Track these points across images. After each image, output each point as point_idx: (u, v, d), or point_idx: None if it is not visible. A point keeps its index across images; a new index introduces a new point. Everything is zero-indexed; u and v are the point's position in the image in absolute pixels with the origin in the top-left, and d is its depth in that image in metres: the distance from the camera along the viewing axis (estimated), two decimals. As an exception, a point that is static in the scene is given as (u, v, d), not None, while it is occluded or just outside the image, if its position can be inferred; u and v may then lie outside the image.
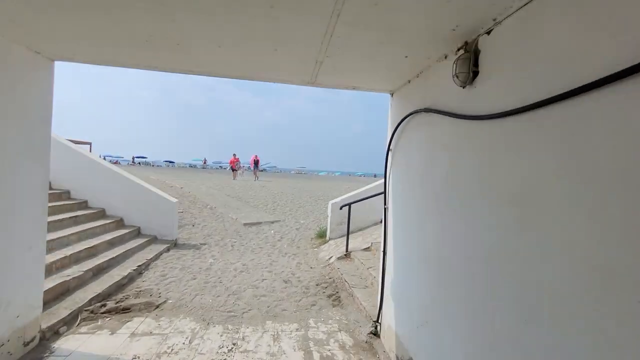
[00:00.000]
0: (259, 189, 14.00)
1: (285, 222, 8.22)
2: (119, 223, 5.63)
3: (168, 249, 5.50)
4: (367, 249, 5.17)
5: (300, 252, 5.95)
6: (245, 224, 7.63)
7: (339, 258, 5.11)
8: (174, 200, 6.02)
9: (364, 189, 6.76)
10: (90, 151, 43.92)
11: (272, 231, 7.34)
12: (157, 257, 5.04)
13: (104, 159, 35.14)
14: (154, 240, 5.71)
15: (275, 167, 62.79)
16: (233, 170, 19.14)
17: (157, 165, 54.31)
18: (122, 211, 5.76)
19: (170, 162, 58.72)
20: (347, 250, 5.19)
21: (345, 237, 6.16)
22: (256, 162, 20.67)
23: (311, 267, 5.01)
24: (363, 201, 5.78)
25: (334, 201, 6.48)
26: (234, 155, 19.34)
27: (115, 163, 50.71)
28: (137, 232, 5.74)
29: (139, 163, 53.51)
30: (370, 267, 4.31)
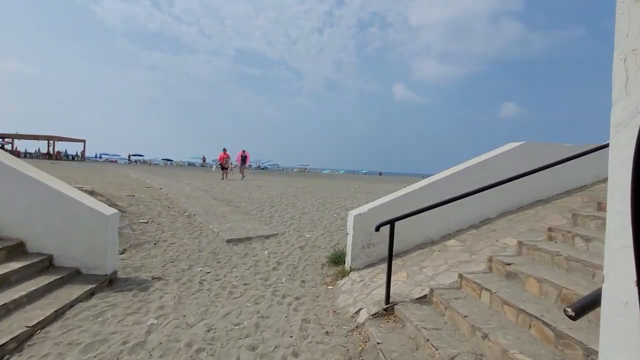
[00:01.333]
0: (255, 190, 11.85)
1: (285, 236, 6.08)
2: (15, 249, 3.50)
3: (92, 293, 3.35)
4: (423, 299, 3.01)
5: (307, 292, 3.80)
6: (228, 241, 5.49)
7: (374, 315, 2.94)
8: (110, 212, 3.85)
9: (401, 193, 4.59)
10: (84, 149, 41.92)
11: (265, 252, 5.19)
12: (59, 314, 2.90)
13: (100, 157, 33.23)
14: (73, 276, 3.57)
15: (277, 165, 60.72)
16: (223, 168, 16.69)
17: (155, 164, 52.41)
18: (24, 230, 3.64)
19: (169, 160, 56.80)
20: (387, 300, 3.02)
21: (376, 268, 4.03)
22: (244, 159, 18.18)
23: (327, 333, 2.85)
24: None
25: (357, 212, 4.29)
26: (224, 150, 16.89)
27: (113, 162, 49.05)
28: (47, 264, 3.60)
29: (136, 161, 51.68)
30: (446, 346, 2.16)
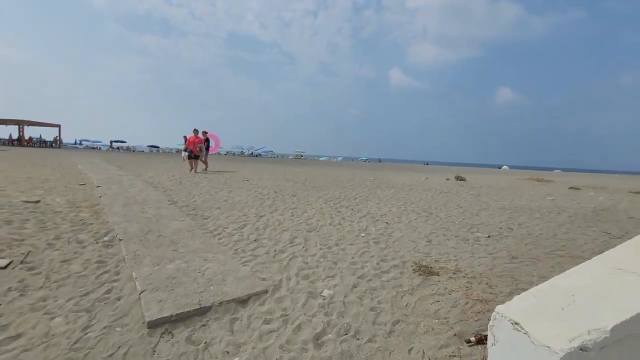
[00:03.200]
0: (238, 187, 8.67)
1: (280, 296, 2.90)
2: None
3: None
4: None
5: None
6: (152, 326, 2.40)
7: None
8: None
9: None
10: (60, 134, 38.03)
11: (233, 368, 2.11)
12: None
13: (80, 144, 29.38)
14: None
15: (271, 151, 57.25)
16: (191, 157, 11.71)
17: (140, 151, 48.74)
18: None
19: (155, 147, 53.08)
20: None
21: None
22: (207, 144, 12.65)
23: None
24: None
25: (565, 343, 1.16)
26: (195, 132, 11.99)
27: (93, 149, 45.20)
28: None
29: (118, 148, 47.95)
30: None
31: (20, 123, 37.86)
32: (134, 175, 9.65)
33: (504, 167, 56.86)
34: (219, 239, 4.35)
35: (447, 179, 14.62)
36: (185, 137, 12.90)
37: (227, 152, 54.18)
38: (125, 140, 48.80)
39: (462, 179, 13.97)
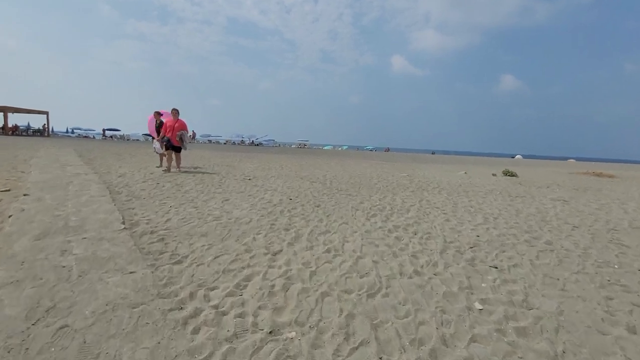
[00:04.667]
0: (236, 190, 6.18)
1: None
2: None
3: None
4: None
5: None
6: None
7: None
8: None
9: None
10: (48, 121, 35.43)
11: None
12: None
13: (72, 132, 26.84)
14: None
15: (273, 140, 54.50)
16: (169, 147, 8.38)
17: (134, 139, 46.12)
18: None
19: (149, 135, 50.32)
20: None
21: None
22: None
23: None
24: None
25: None
26: (175, 113, 8.40)
27: (85, 137, 42.71)
28: None
29: (111, 136, 45.33)
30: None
31: (4, 110, 35.21)
32: (97, 174, 7.19)
33: (518, 156, 54.13)
34: (192, 331, 1.95)
35: (494, 175, 12.10)
36: (158, 116, 9.17)
37: (227, 141, 51.55)
38: (119, 129, 46.24)
39: (511, 174, 11.47)
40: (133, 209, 4.53)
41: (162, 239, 3.50)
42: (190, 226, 3.94)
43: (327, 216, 4.80)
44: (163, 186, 6.28)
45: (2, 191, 4.99)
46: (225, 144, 48.56)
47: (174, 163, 8.70)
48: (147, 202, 4.96)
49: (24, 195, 4.73)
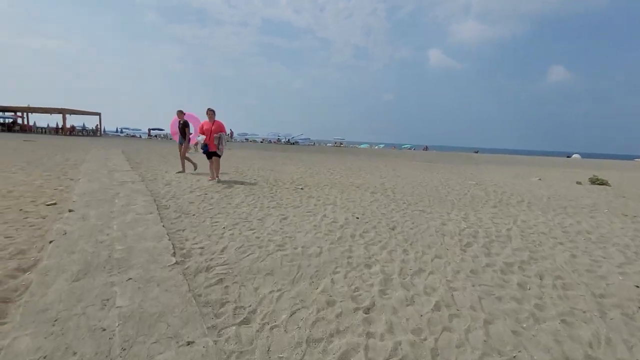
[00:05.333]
0: (293, 205, 5.33)
1: None
2: None
3: None
4: None
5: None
6: None
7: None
8: None
9: None
10: (100, 122, 37.75)
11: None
12: None
13: (122, 132, 28.45)
14: None
15: (308, 139, 54.13)
16: (206, 153, 7.33)
17: (170, 139, 47.94)
18: None
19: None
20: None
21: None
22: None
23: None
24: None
25: None
26: (211, 114, 7.16)
27: (132, 137, 45.15)
28: None
29: (156, 135, 47.47)
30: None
31: (62, 112, 37.97)
32: (143, 182, 6.79)
33: (575, 155, 49.08)
34: None
35: (579, 183, 10.38)
36: (182, 115, 8.24)
37: (263, 140, 52.01)
38: (162, 128, 48.22)
39: (602, 183, 9.72)
40: (183, 230, 3.90)
41: (221, 279, 2.77)
42: (251, 259, 3.20)
43: (410, 244, 3.86)
44: (212, 198, 5.68)
45: (48, 205, 4.61)
46: (261, 142, 48.98)
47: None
48: (197, 221, 4.33)
49: (69, 211, 4.28)
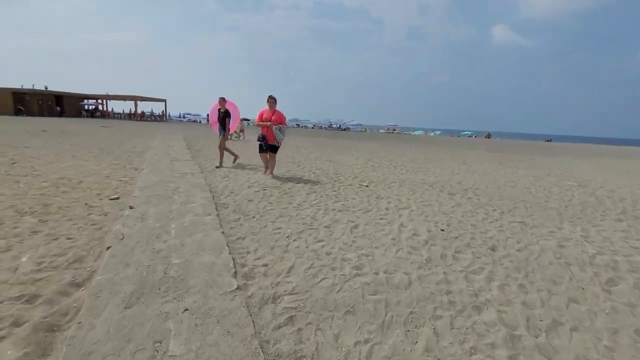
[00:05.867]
0: (361, 209, 4.50)
1: None
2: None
3: None
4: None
5: None
6: None
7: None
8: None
9: None
10: (165, 108, 40.52)
11: None
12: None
13: (184, 117, 30.42)
14: None
15: (360, 125, 52.65)
16: (264, 149, 6.50)
17: (232, 124, 49.73)
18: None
19: (246, 119, 53.75)
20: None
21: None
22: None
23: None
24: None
25: None
26: (272, 102, 6.37)
27: (193, 122, 48.01)
28: None
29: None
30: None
31: (134, 99, 41.43)
32: (202, 173, 6.59)
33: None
34: None
35: None
36: (223, 103, 7.55)
37: (314, 126, 51.80)
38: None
39: None
40: (243, 238, 3.43)
41: (292, 317, 2.19)
42: (325, 287, 2.58)
43: (526, 276, 2.94)
44: (271, 195, 5.21)
45: (112, 199, 4.49)
46: (312, 128, 48.79)
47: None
48: (258, 225, 3.84)
49: (130, 207, 4.08)
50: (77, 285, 2.47)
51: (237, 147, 12.38)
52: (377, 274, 2.84)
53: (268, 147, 6.40)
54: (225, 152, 7.87)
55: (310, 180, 6.64)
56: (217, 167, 7.47)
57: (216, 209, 4.25)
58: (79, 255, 2.90)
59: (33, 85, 35.84)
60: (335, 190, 5.76)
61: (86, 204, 4.26)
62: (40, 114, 34.36)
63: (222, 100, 7.66)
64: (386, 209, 4.79)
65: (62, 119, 31.24)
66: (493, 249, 3.53)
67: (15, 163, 6.50)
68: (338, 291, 2.55)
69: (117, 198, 4.55)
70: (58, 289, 2.39)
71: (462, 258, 3.26)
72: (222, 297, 2.36)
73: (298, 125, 52.63)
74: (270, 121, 6.31)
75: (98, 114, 41.87)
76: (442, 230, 4.00)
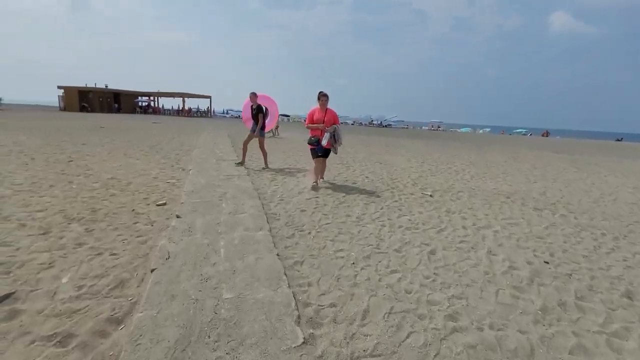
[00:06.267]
0: (429, 226, 3.78)
1: None
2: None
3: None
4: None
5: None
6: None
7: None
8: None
9: None
10: (210, 104, 42.04)
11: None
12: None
13: (227, 113, 31.30)
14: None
15: (402, 121, 50.63)
16: (319, 154, 5.69)
17: (273, 120, 50.29)
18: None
19: (286, 115, 54.18)
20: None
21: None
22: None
23: None
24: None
25: None
26: (324, 99, 5.53)
27: (237, 117, 49.41)
28: None
29: (255, 117, 50.62)
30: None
31: (182, 96, 43.40)
32: (249, 176, 6.23)
33: None
34: None
35: None
36: (255, 98, 6.94)
37: (354, 122, 50.75)
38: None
39: None
40: (301, 263, 2.89)
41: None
42: (417, 350, 1.94)
43: (701, 348, 2.06)
44: (325, 204, 4.65)
45: (159, 205, 4.22)
46: (353, 124, 47.83)
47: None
48: (315, 245, 3.29)
49: (177, 217, 3.74)
50: (117, 322, 2.08)
51: (272, 145, 12.04)
52: (480, 329, 2.15)
53: (323, 151, 5.63)
54: (251, 150, 7.46)
55: (365, 186, 5.99)
56: (237, 165, 7.12)
57: (267, 221, 3.78)
58: (121, 279, 2.54)
59: (95, 84, 38.97)
60: (396, 201, 5.05)
61: (133, 210, 4.01)
62: (101, 110, 37.22)
63: (253, 96, 7.06)
64: (463, 227, 4.00)
65: (119, 115, 33.51)
66: (629, 296, 2.65)
67: (71, 161, 6.61)
68: (435, 356, 1.90)
69: (164, 204, 4.26)
70: (95, 326, 2.01)
71: (590, 309, 2.44)
72: (286, 356, 1.82)
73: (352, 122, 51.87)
74: (322, 122, 5.54)
75: (150, 110, 44.47)
76: (547, 262, 3.16)
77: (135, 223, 3.64)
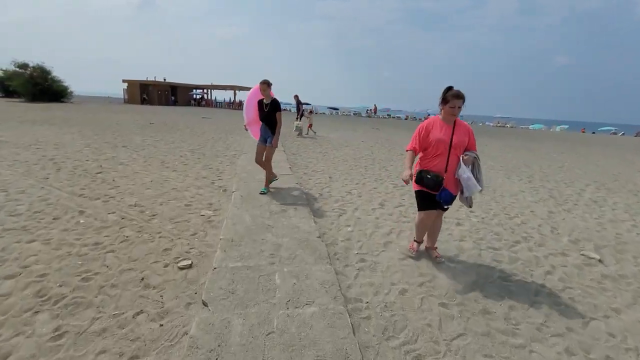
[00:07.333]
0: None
1: None
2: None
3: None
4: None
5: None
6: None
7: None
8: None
9: None
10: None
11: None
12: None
13: None
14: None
15: (462, 116, 46.09)
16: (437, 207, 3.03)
17: (321, 113, 48.90)
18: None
19: (334, 108, 52.32)
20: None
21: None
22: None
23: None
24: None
25: None
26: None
27: (284, 110, 48.87)
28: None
29: (304, 110, 49.65)
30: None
31: (233, 88, 43.73)
32: (309, 206, 4.61)
33: None
34: None
35: None
36: (266, 87, 4.63)
37: (407, 117, 47.33)
38: (309, 103, 50.11)
39: None
40: None
41: None
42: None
43: None
44: (439, 287, 2.86)
45: (182, 268, 2.77)
46: (406, 119, 44.58)
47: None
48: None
49: (203, 304, 2.24)
50: None
51: (309, 147, 10.43)
52: None
53: (446, 199, 2.90)
54: (257, 165, 5.18)
55: (492, 248, 3.87)
56: (262, 193, 4.90)
57: (353, 329, 2.11)
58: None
59: (155, 78, 40.64)
60: (562, 290, 3.05)
61: (142, 279, 2.60)
62: (159, 102, 38.75)
63: (267, 87, 4.69)
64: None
65: (175, 107, 34.44)
66: None
67: (100, 173, 5.59)
68: None
69: (190, 266, 2.81)
70: None
71: None
72: None
73: (389, 115, 48.84)
74: (449, 146, 2.89)
75: (203, 102, 45.54)
76: None
77: (138, 314, 2.20)
